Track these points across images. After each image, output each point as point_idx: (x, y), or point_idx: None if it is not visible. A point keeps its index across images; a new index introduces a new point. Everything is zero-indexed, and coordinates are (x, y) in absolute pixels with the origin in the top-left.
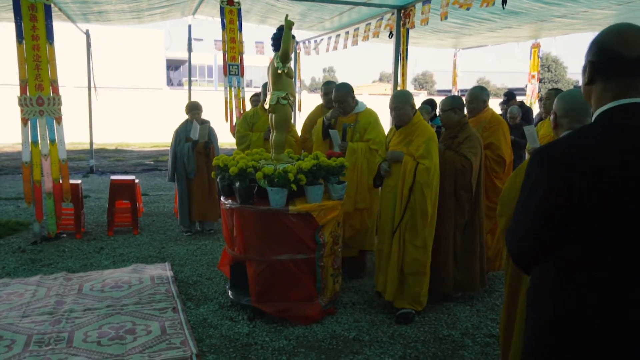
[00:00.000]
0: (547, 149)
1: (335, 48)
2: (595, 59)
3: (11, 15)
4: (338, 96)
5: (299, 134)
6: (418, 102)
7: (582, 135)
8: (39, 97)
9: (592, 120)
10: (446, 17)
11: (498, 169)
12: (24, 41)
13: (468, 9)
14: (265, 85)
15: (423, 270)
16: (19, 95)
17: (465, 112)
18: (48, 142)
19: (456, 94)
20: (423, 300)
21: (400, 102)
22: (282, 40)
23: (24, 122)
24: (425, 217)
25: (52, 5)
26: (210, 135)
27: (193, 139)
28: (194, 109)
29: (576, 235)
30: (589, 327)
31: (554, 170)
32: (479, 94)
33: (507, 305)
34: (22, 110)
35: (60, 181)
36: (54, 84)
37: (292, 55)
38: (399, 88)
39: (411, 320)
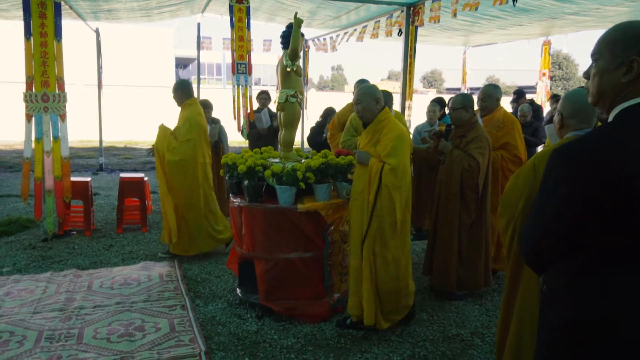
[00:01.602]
0: (571, 148)
1: (338, 46)
2: None
3: (21, 13)
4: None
5: (304, 132)
6: (427, 100)
7: (608, 133)
8: (45, 93)
9: (614, 117)
10: (456, 15)
11: (515, 169)
12: (31, 37)
13: (476, 9)
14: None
15: (397, 285)
16: (24, 91)
17: (477, 109)
18: (51, 138)
19: (466, 92)
20: (396, 318)
21: (363, 94)
22: (291, 38)
23: (28, 118)
24: (394, 226)
25: (63, 3)
26: (220, 134)
27: None
28: (205, 107)
29: (601, 235)
30: (612, 329)
31: (578, 169)
32: (492, 92)
33: (505, 304)
34: (26, 107)
35: (62, 179)
36: (60, 80)
37: (301, 54)
38: (407, 86)
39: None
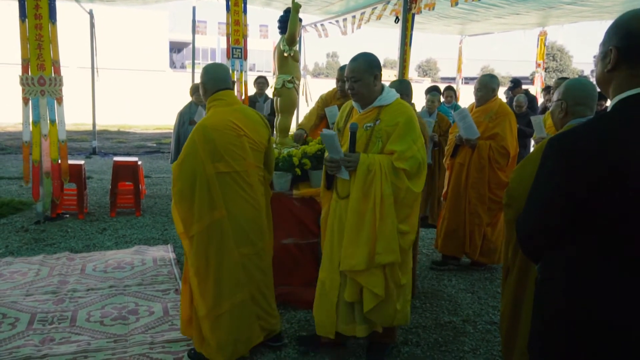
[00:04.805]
0: (565, 138)
1: (344, 33)
2: (621, 44)
3: None
4: (354, 70)
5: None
6: (422, 88)
7: (602, 124)
8: (41, 77)
9: (611, 108)
10: (457, 4)
11: (501, 161)
12: (26, 20)
13: None
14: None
15: (189, 314)
16: (20, 74)
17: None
18: (48, 122)
19: (460, 81)
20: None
21: (202, 73)
22: (289, 23)
23: (25, 101)
24: (183, 237)
25: None
26: None
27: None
28: (198, 90)
29: (592, 225)
30: (601, 318)
31: (571, 159)
32: (488, 82)
33: (514, 293)
34: (23, 90)
35: (59, 161)
36: (56, 64)
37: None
38: (403, 74)
39: None
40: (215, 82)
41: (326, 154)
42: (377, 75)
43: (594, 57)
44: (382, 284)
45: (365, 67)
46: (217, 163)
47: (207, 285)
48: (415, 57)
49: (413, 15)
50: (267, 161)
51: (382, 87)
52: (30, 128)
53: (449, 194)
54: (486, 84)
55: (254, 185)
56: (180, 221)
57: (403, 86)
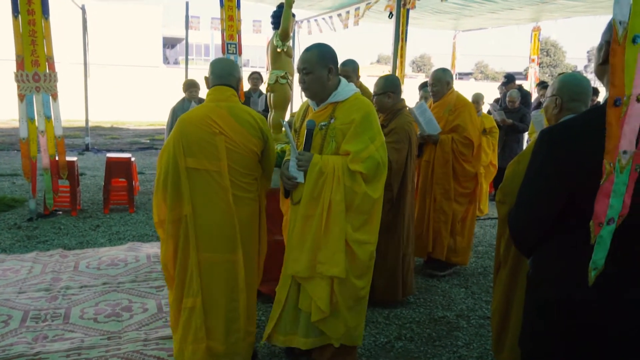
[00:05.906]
0: (556, 130)
1: (338, 28)
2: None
3: None
4: (305, 61)
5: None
6: (416, 84)
7: (592, 117)
8: (35, 73)
9: (603, 101)
10: None
11: (466, 152)
12: (19, 16)
13: None
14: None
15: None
16: (15, 71)
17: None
18: (44, 118)
19: (454, 77)
20: None
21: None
22: (282, 18)
23: (21, 98)
24: (158, 227)
25: None
26: None
27: None
28: (191, 86)
29: (581, 217)
30: (587, 309)
31: (561, 151)
32: (442, 76)
33: (505, 289)
34: (18, 87)
35: (57, 157)
36: (50, 60)
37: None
38: (399, 70)
39: None
40: (213, 78)
41: (283, 167)
42: (332, 69)
43: (588, 52)
44: (327, 297)
45: (317, 59)
46: (188, 158)
47: (172, 276)
48: (409, 53)
49: (407, 10)
50: (263, 167)
51: (339, 81)
52: (27, 125)
53: (418, 194)
54: (440, 79)
55: (230, 189)
56: (156, 211)
57: (388, 83)
